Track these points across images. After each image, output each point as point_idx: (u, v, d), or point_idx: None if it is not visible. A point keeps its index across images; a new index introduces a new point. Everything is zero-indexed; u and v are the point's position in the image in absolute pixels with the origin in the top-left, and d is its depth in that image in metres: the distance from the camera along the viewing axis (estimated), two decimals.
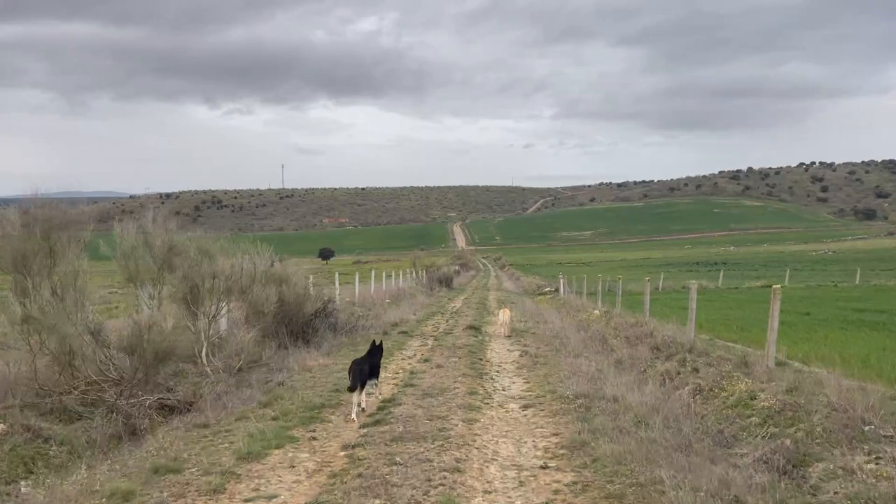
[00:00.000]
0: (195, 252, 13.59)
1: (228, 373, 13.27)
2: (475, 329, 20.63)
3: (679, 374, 12.64)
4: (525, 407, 9.76)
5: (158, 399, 10.52)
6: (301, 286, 16.47)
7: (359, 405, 9.47)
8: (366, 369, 9.75)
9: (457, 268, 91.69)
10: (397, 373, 12.76)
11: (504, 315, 20.13)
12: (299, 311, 16.69)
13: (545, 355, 15.00)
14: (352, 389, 9.37)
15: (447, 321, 24.24)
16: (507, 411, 9.55)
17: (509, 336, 19.19)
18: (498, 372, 13.08)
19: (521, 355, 15.30)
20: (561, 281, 40.37)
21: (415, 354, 15.50)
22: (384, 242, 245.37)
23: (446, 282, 53.28)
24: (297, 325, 16.51)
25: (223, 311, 15.26)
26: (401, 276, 45.81)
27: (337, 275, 26.46)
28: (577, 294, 35.42)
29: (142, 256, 12.74)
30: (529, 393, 10.81)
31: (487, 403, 10.02)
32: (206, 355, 13.49)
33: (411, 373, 12.77)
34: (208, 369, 13.18)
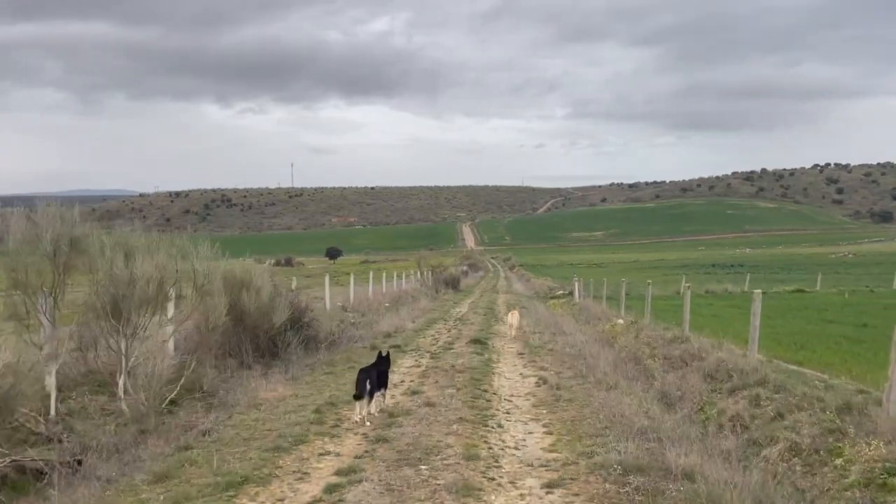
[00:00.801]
0: (111, 251, 10.37)
1: (153, 409, 10.06)
2: (481, 343, 17.33)
3: (755, 420, 9.31)
4: (550, 487, 6.42)
5: (14, 462, 7.29)
6: (267, 292, 13.18)
7: (366, 413, 9.15)
8: (374, 378, 9.34)
9: (465, 268, 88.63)
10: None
11: (513, 317, 19.61)
12: (265, 323, 13.45)
13: (569, 386, 11.64)
14: (358, 397, 9.06)
15: (449, 331, 20.95)
16: (521, 496, 6.23)
17: (522, 353, 15.93)
18: (508, 413, 9.73)
19: (537, 383, 11.97)
20: (575, 284, 37.00)
21: (402, 381, 12.19)
22: (393, 242, 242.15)
23: (453, 283, 50.00)
24: (264, 340, 13.29)
25: (166, 325, 12.07)
26: (404, 277, 42.56)
27: (327, 276, 23.25)
28: (595, 299, 32.07)
29: (31, 254, 9.52)
30: (554, 455, 7.48)
31: (492, 479, 6.68)
32: (124, 385, 10.28)
33: (390, 415, 9.46)
34: (124, 405, 9.96)
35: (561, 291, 43.34)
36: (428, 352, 16.07)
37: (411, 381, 12.11)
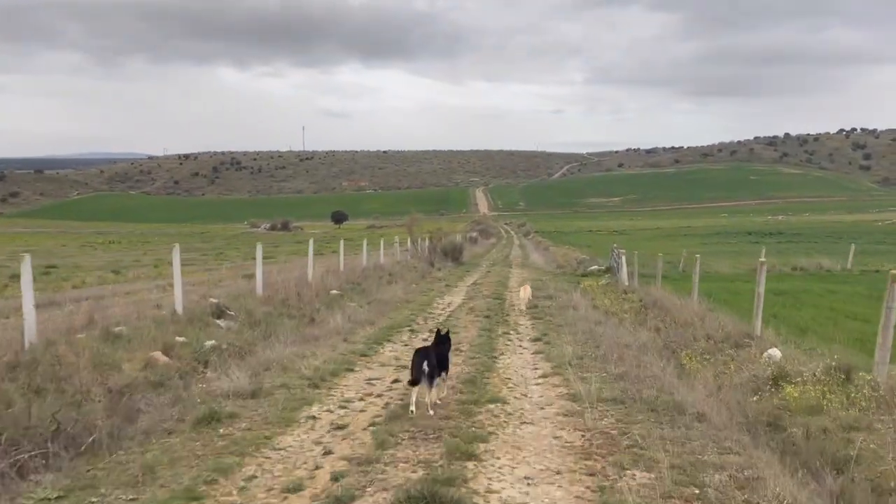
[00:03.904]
0: None
1: None
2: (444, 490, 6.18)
3: None
4: None
5: None
6: None
7: (431, 401, 7.86)
8: (433, 360, 7.86)
9: (475, 234, 78.21)
10: None
11: (525, 291, 18.23)
12: None
13: None
14: (414, 383, 7.70)
15: (390, 386, 9.85)
16: None
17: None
18: None
19: None
20: (622, 257, 26.11)
21: None
22: (403, 207, 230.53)
23: (453, 254, 39.17)
24: None
25: None
26: (383, 246, 31.68)
27: (176, 249, 12.35)
28: (667, 283, 21.20)
29: None
30: None
31: None
32: None
33: None
34: None
35: (595, 267, 32.49)
36: None
37: None
